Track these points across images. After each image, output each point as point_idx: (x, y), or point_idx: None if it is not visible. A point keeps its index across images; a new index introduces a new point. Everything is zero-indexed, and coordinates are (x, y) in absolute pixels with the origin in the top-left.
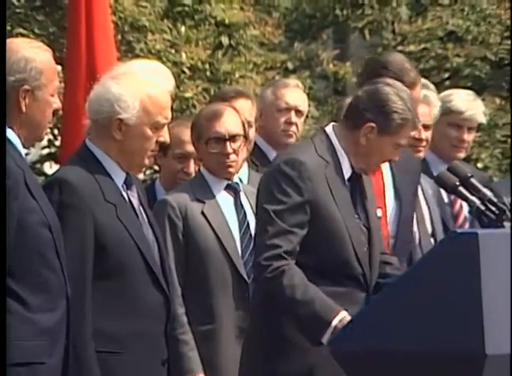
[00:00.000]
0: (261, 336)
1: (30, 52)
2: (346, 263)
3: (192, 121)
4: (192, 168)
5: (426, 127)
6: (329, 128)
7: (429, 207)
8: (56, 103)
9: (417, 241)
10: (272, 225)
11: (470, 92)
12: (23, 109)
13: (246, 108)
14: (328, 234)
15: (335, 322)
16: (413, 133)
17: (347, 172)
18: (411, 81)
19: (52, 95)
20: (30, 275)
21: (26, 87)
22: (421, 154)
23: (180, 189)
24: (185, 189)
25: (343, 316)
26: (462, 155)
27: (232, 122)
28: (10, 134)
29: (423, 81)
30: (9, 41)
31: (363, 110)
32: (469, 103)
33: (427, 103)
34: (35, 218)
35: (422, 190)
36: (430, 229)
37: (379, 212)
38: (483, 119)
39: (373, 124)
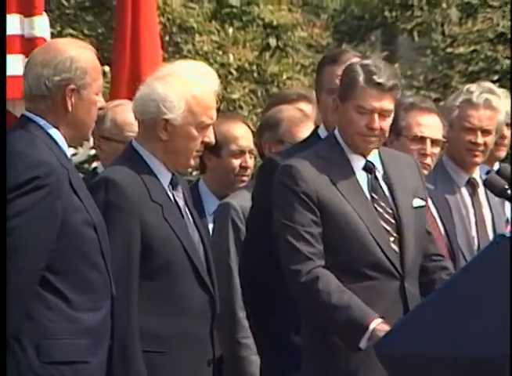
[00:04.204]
0: (312, 347)
1: (76, 52)
2: (369, 255)
3: (265, 123)
4: (250, 161)
5: (485, 131)
6: (335, 130)
7: (492, 213)
8: (100, 101)
9: (476, 246)
10: (287, 231)
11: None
12: (69, 108)
13: (308, 111)
14: (342, 230)
15: (372, 326)
16: (470, 137)
17: (357, 164)
18: (346, 58)
19: (97, 94)
20: (74, 274)
21: (72, 86)
22: (477, 159)
23: (241, 191)
24: (246, 192)
25: (379, 322)
26: (503, 153)
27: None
28: (55, 133)
29: (490, 85)
30: (53, 41)
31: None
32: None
33: (490, 107)
34: (79, 218)
35: (486, 195)
36: (491, 235)
37: (417, 202)
38: None
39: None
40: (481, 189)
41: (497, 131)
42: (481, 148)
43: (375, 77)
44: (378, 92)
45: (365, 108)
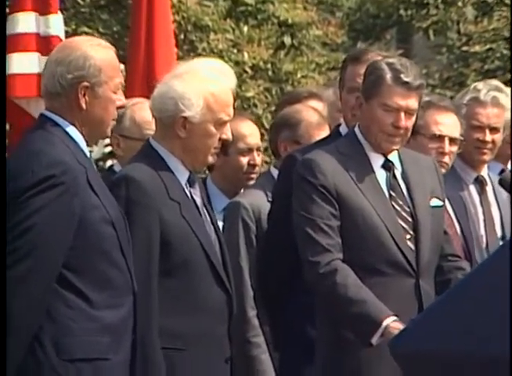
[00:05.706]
0: (325, 339)
1: (90, 50)
2: (384, 251)
3: (282, 121)
4: (257, 159)
5: (493, 129)
6: (356, 127)
7: (500, 211)
8: (120, 99)
9: (484, 245)
10: (305, 223)
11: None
12: (84, 106)
13: (319, 109)
14: (359, 226)
15: (385, 323)
16: (478, 135)
17: (376, 161)
18: (368, 57)
19: (115, 92)
20: (93, 272)
21: (85, 83)
22: (486, 157)
23: (252, 189)
24: (257, 190)
25: (393, 320)
26: None
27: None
28: (73, 131)
29: (497, 83)
30: (70, 39)
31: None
32: None
33: (497, 105)
34: (97, 215)
35: (494, 192)
36: (500, 233)
37: (434, 202)
38: None
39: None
40: (489, 187)
41: (505, 129)
42: (489, 146)
43: (402, 75)
44: (405, 91)
45: (391, 106)
